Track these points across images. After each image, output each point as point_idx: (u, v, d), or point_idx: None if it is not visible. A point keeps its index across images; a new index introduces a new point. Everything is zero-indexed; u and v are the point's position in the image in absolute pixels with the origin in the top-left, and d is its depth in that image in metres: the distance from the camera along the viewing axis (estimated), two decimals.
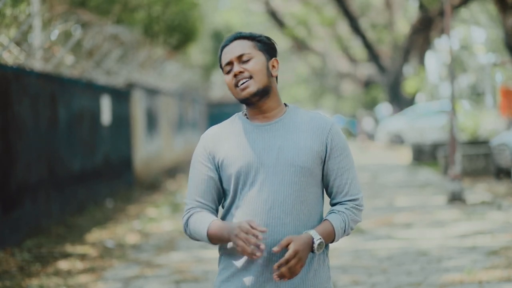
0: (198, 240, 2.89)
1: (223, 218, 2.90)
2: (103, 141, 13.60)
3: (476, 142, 16.92)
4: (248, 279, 2.83)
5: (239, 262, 2.84)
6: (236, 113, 2.96)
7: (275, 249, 2.70)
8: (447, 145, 14.93)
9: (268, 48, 2.89)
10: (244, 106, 2.91)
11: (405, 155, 23.49)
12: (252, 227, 2.69)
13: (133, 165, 16.03)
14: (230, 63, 2.84)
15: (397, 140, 29.12)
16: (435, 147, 19.97)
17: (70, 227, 10.45)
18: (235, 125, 2.90)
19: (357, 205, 2.88)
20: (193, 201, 2.89)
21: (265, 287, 2.82)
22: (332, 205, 2.94)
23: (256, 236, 2.67)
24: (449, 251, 8.06)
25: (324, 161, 2.87)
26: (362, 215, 2.93)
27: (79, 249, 9.02)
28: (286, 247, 2.72)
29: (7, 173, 8.90)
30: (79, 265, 8.06)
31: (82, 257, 8.50)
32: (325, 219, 2.85)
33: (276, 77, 2.91)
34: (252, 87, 2.82)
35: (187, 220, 2.89)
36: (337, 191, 2.89)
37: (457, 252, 7.98)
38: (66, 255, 8.54)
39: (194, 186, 2.89)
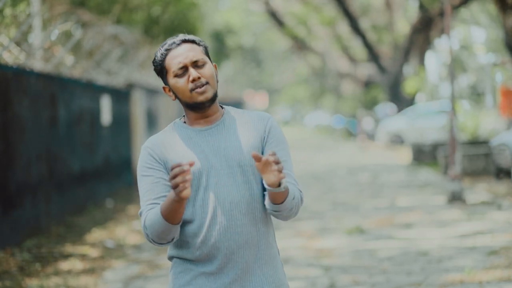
0: (160, 240, 2.78)
1: (181, 224, 2.83)
2: (103, 141, 13.60)
3: (476, 142, 16.92)
4: (212, 281, 2.82)
5: (201, 264, 2.83)
6: (173, 121, 2.95)
7: (254, 153, 2.63)
8: (447, 145, 14.93)
9: (208, 53, 2.92)
10: (181, 113, 2.89)
11: (405, 155, 23.49)
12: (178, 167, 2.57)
13: (133, 165, 16.03)
14: (183, 67, 2.83)
15: (397, 140, 29.11)
16: (435, 147, 19.96)
17: (70, 227, 10.45)
18: (177, 133, 2.89)
19: (301, 194, 2.86)
20: (149, 205, 2.81)
21: None
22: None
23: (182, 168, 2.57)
24: (449, 251, 8.06)
25: (262, 153, 2.88)
26: (300, 209, 2.86)
27: (79, 249, 9.02)
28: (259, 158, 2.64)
29: (7, 173, 8.90)
30: (79, 265, 8.06)
31: (82, 257, 8.50)
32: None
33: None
34: (209, 92, 2.83)
35: (144, 222, 2.80)
36: None
37: (457, 252, 7.98)
38: (66, 255, 8.54)
39: (149, 191, 2.82)
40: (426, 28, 28.76)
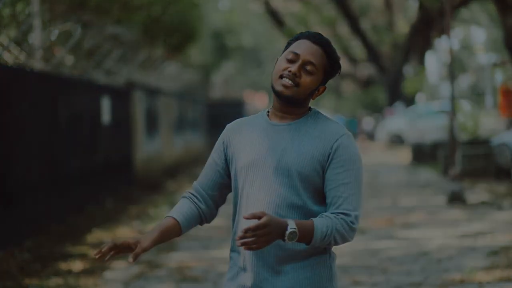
0: None
1: (234, 216, 2.91)
2: (103, 141, 13.59)
3: (476, 142, 16.90)
4: (246, 279, 2.86)
5: (240, 262, 2.88)
6: (264, 109, 2.98)
7: (246, 216, 2.65)
8: (447, 145, 14.93)
9: (329, 75, 2.87)
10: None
11: (405, 155, 23.49)
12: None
13: (133, 165, 16.02)
14: (297, 56, 2.81)
15: (397, 140, 29.12)
16: (435, 147, 19.96)
17: (70, 227, 10.44)
18: (254, 121, 2.95)
19: (348, 221, 2.76)
20: (194, 185, 3.00)
21: (262, 287, 2.84)
22: None
23: None
24: (449, 251, 8.06)
25: (325, 170, 2.83)
26: (353, 235, 2.79)
27: (79, 249, 9.01)
28: (258, 219, 2.65)
29: (7, 173, 8.90)
30: (79, 265, 8.05)
31: (82, 257, 8.50)
32: (310, 219, 2.78)
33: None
34: (291, 92, 2.81)
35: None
36: (330, 202, 2.80)
37: (457, 252, 7.98)
38: (66, 255, 8.54)
39: (204, 169, 3.01)
40: (426, 28, 28.77)
